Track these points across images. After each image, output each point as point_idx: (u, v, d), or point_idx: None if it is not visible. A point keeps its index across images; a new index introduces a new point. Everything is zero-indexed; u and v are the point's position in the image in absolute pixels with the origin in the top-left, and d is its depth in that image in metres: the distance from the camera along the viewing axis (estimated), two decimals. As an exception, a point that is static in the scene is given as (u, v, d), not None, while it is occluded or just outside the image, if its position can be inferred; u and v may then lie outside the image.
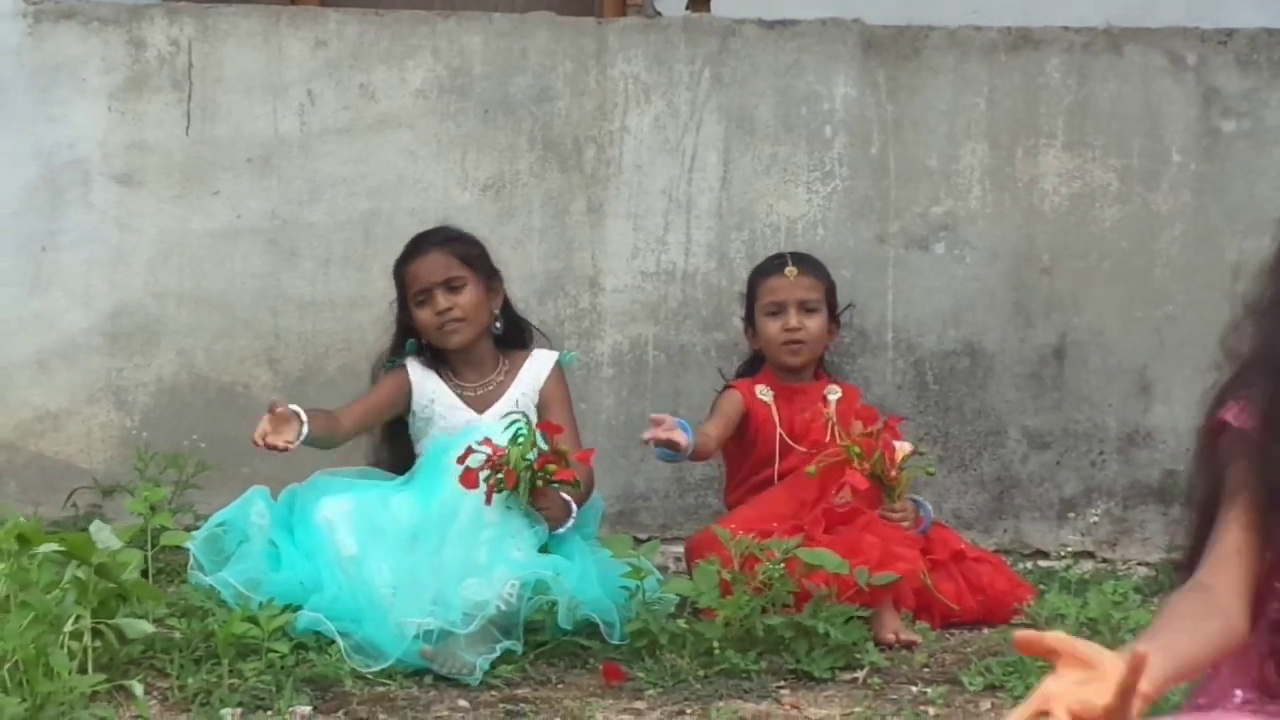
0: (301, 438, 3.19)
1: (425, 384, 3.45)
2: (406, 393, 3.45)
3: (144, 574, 2.97)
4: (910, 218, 4.11)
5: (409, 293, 3.45)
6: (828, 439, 3.49)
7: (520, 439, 3.02)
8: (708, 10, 4.21)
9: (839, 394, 3.64)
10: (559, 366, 3.47)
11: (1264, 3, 4.53)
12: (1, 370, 3.91)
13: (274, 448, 3.15)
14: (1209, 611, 2.08)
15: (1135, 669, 1.59)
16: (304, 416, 3.21)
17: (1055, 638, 1.92)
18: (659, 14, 4.72)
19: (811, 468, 3.36)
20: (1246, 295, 2.04)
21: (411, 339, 3.50)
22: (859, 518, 3.30)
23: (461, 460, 3.01)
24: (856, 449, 3.32)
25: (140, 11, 4.11)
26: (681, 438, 3.23)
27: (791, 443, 3.54)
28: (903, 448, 3.41)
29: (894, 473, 3.36)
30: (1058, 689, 1.50)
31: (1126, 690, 1.49)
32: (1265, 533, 1.91)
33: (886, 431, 3.42)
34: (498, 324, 3.47)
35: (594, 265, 4.07)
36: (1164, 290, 4.12)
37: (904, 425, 3.59)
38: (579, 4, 5.22)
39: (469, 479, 2.99)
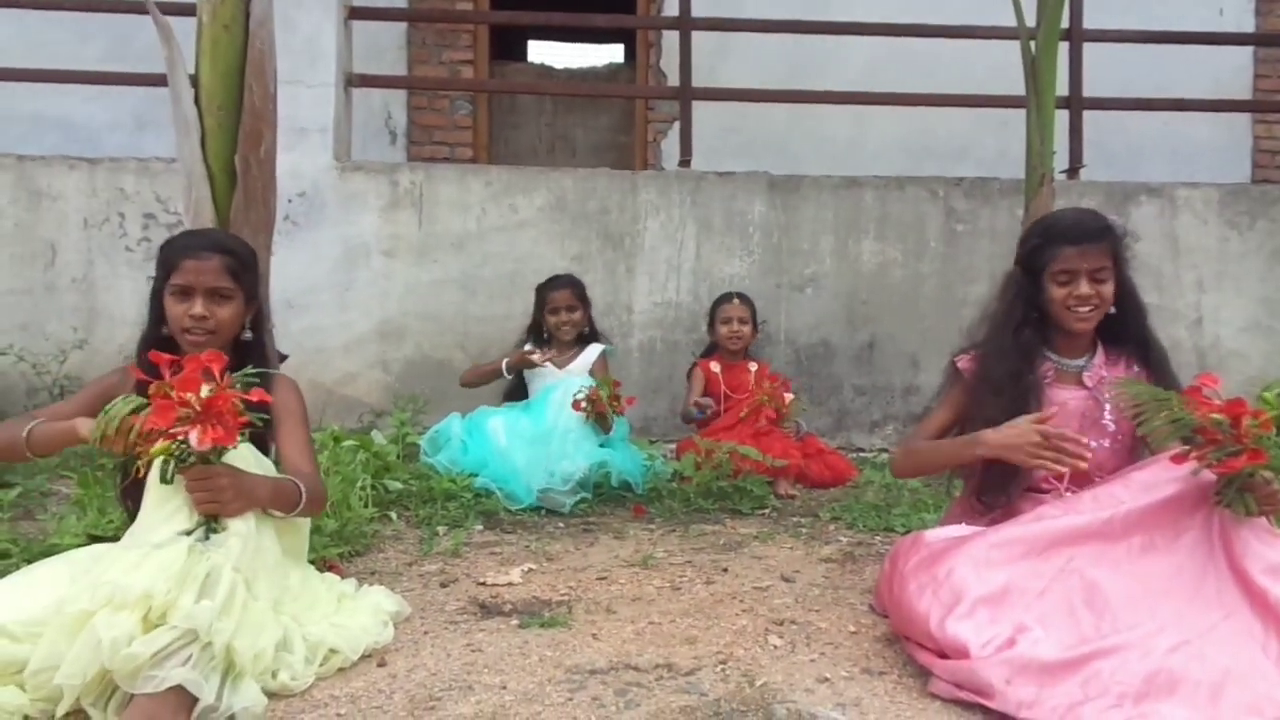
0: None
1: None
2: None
3: (397, 457, 2.98)
4: (793, 274, 4.06)
5: (547, 305, 3.40)
6: (751, 387, 3.48)
7: (602, 388, 3.02)
8: (689, 166, 4.16)
9: (756, 366, 3.59)
10: (602, 354, 3.41)
11: (976, 165, 4.56)
12: (326, 351, 3.89)
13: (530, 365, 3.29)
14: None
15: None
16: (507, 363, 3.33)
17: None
18: (664, 168, 4.67)
19: (744, 412, 3.32)
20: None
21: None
22: (773, 432, 3.27)
23: (575, 397, 2.99)
24: (766, 398, 3.31)
25: (395, 166, 4.09)
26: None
27: (730, 393, 3.50)
28: (790, 397, 3.38)
29: (783, 410, 3.33)
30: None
31: None
32: (963, 429, 1.86)
33: (782, 388, 3.39)
34: (584, 331, 3.44)
35: (629, 298, 4.02)
36: (925, 313, 4.07)
37: (794, 384, 3.54)
38: (623, 163, 5.21)
39: (577, 407, 2.97)
